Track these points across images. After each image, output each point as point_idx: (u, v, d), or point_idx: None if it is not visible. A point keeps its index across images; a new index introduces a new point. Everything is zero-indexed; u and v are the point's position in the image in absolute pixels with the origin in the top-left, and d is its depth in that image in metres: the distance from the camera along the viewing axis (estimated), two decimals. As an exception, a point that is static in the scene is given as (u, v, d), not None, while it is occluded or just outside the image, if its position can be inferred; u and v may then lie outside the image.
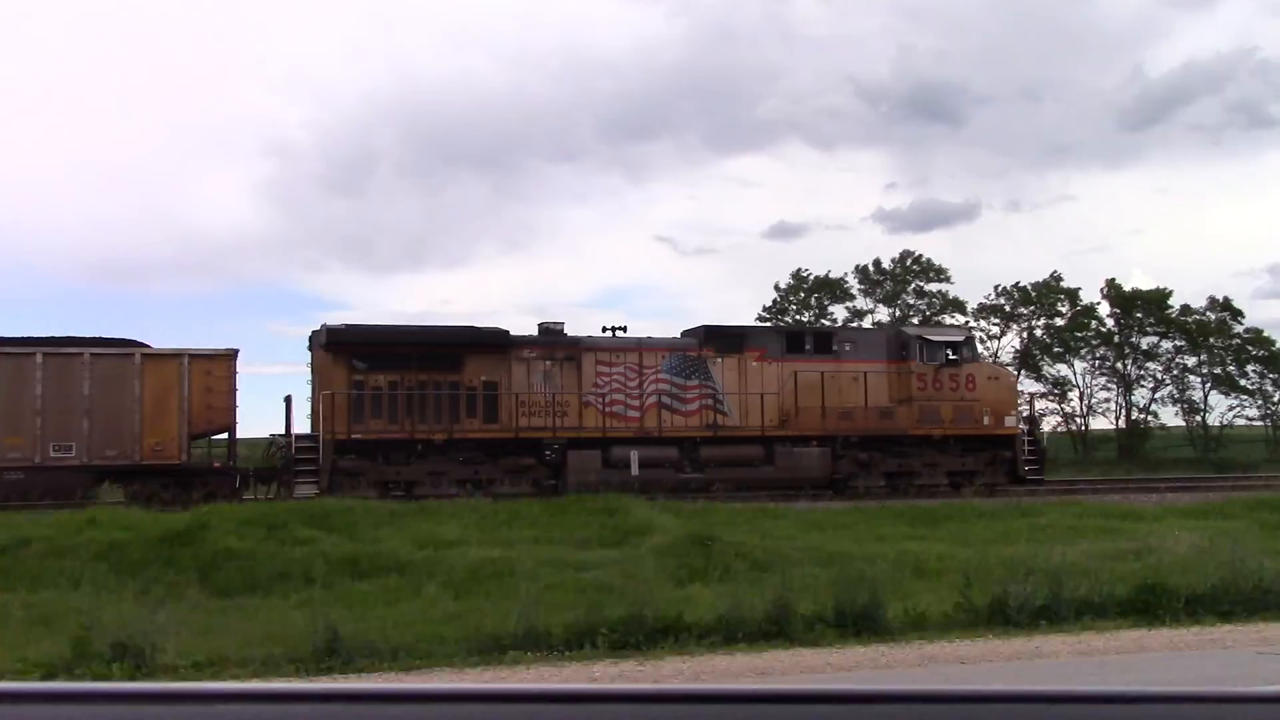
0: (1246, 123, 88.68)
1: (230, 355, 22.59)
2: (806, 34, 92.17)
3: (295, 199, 79.87)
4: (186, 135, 77.23)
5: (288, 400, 23.49)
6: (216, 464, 22.70)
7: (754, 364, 25.45)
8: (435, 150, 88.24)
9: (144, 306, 77.91)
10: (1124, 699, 1.08)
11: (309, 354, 24.23)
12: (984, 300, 52.83)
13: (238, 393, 22.57)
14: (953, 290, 52.50)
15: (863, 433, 25.86)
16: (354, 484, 22.71)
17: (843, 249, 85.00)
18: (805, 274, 53.32)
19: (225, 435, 23.00)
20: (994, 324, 52.27)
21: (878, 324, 47.74)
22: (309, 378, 24.21)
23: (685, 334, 26.24)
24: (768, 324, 26.30)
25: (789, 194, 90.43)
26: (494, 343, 24.22)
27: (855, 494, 24.71)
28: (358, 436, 22.82)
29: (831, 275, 53.30)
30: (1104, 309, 52.47)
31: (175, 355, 22.40)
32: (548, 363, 24.37)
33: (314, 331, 23.85)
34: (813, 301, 53.01)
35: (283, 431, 23.68)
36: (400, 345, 23.66)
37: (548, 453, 23.84)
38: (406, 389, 23.25)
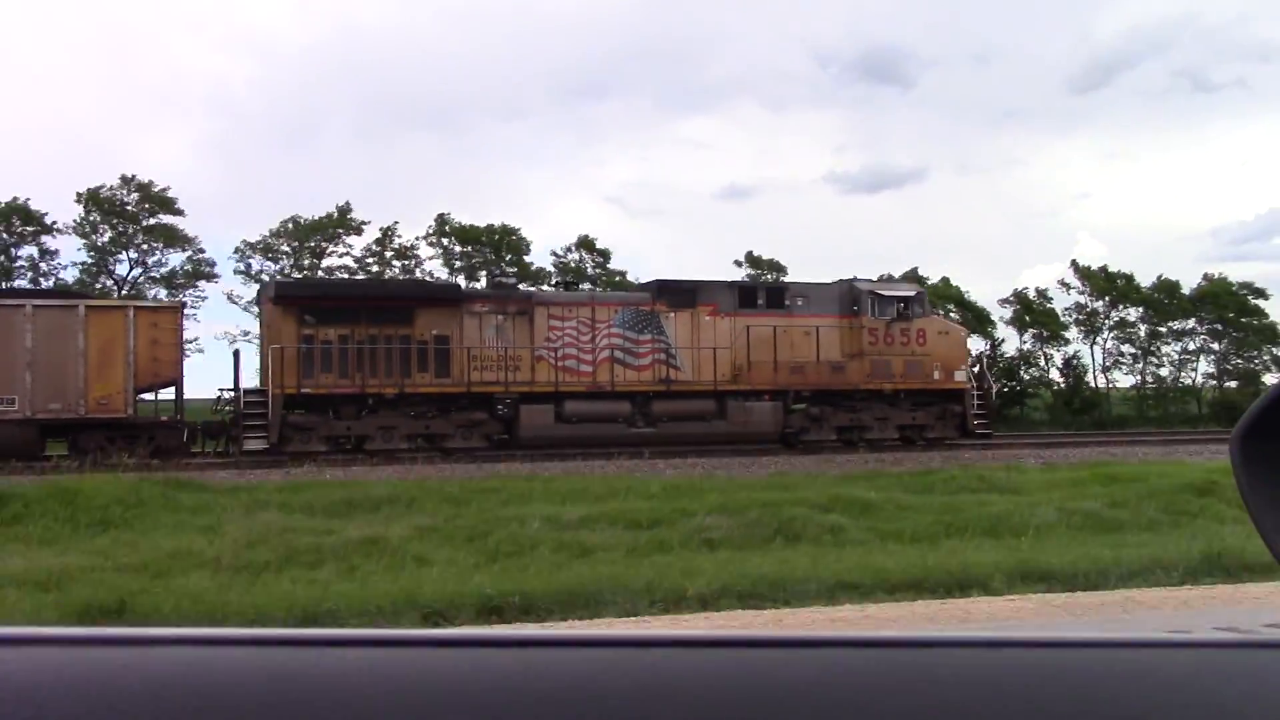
0: (1190, 87, 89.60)
1: (176, 308, 22.39)
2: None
3: (241, 158, 78.19)
4: (130, 93, 75.26)
5: (236, 354, 23.31)
6: (164, 418, 22.50)
7: (706, 318, 25.50)
8: (383, 109, 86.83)
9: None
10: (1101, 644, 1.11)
11: (258, 308, 23.98)
12: (267, 236, 45.55)
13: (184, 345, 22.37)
14: (180, 223, 44.01)
15: (814, 387, 26.06)
16: (304, 439, 22.63)
17: (793, 210, 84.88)
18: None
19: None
20: (270, 260, 45.58)
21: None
22: (258, 331, 24.02)
23: (638, 289, 26.24)
24: (721, 279, 26.36)
25: (740, 155, 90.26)
26: (445, 297, 24.12)
27: (807, 448, 24.99)
28: (307, 391, 22.66)
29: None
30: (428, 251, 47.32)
31: (120, 307, 22.12)
32: (500, 317, 24.27)
33: (263, 285, 23.70)
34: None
35: (231, 386, 23.48)
36: (350, 299, 23.50)
37: (500, 407, 23.84)
38: (357, 343, 23.09)
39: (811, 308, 26.45)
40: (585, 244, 49.27)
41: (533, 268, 48.45)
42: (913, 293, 27.83)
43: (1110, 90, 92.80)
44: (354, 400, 23.08)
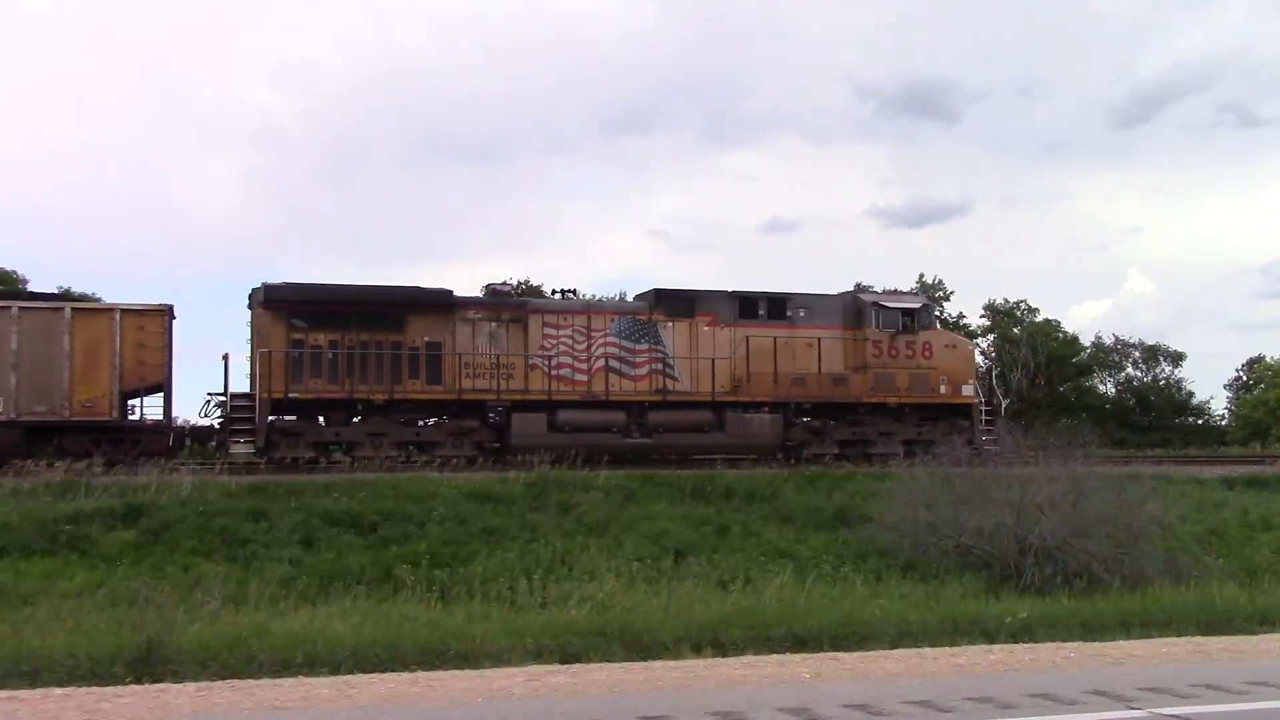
0: (1236, 122, 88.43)
1: (163, 311, 22.03)
2: (801, 29, 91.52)
3: (287, 190, 78.60)
4: (178, 125, 75.92)
5: (225, 359, 22.95)
6: (149, 421, 22.17)
7: (705, 328, 24.97)
8: (428, 143, 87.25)
9: (133, 293, 76.63)
10: None
11: (248, 312, 23.65)
12: None
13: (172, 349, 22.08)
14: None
15: (816, 399, 25.47)
16: (291, 444, 22.26)
17: (837, 244, 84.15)
18: None
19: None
20: None
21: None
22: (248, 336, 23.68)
23: (636, 298, 25.77)
24: (721, 288, 25.62)
25: (783, 189, 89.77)
26: (438, 302, 23.70)
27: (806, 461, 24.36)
28: (295, 396, 22.31)
29: None
30: None
31: (106, 310, 21.89)
32: (493, 324, 23.86)
33: (253, 289, 23.27)
34: None
35: (220, 390, 23.11)
36: (341, 303, 23.09)
37: (492, 415, 23.39)
38: (347, 348, 22.73)
39: (814, 319, 25.87)
40: None
41: None
42: (918, 305, 27.20)
43: (1155, 125, 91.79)
44: (343, 406, 22.71)
